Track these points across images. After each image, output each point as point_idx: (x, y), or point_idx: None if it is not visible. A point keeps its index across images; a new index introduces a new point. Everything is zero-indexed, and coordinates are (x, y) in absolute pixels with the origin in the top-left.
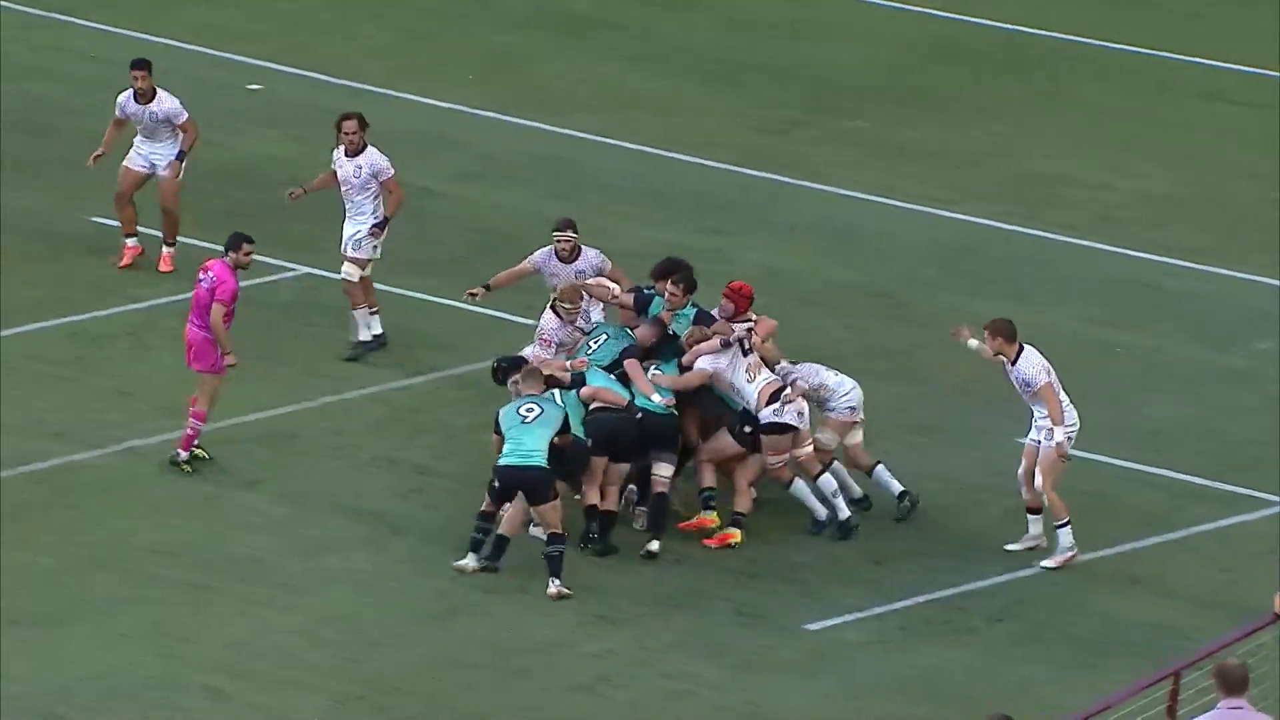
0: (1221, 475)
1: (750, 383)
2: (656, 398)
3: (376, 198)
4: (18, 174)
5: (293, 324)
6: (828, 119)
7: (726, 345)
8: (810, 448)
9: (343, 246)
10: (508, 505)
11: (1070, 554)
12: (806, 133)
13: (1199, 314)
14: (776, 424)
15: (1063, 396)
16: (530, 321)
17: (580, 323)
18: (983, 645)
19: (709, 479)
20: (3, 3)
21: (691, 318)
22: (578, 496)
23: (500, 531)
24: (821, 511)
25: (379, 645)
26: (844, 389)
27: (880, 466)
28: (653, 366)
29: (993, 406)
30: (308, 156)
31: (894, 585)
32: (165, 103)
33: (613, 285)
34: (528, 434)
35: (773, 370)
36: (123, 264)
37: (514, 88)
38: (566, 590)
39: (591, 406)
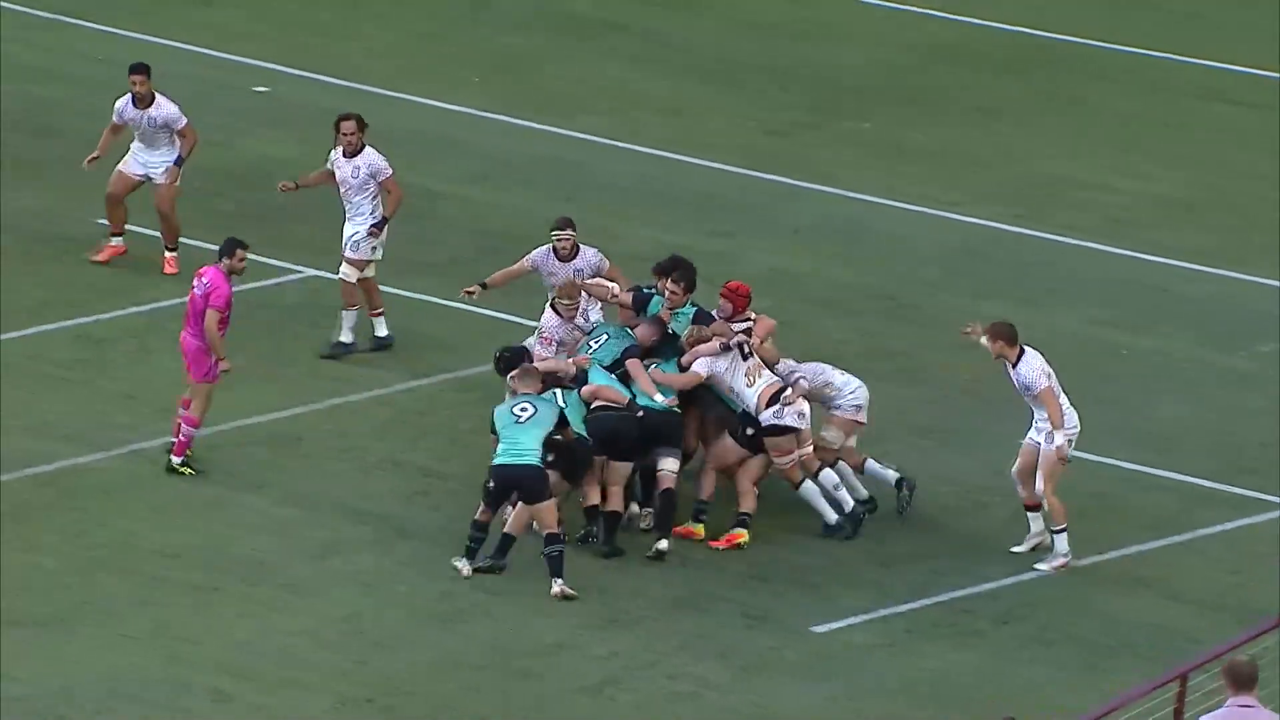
0: (1228, 477)
1: (750, 386)
2: (659, 398)
3: (375, 198)
4: (22, 175)
5: (297, 326)
6: (832, 120)
7: (726, 349)
8: (810, 448)
9: (342, 248)
10: (510, 509)
11: (1064, 560)
12: (811, 134)
13: (1204, 316)
14: (777, 426)
15: (1063, 400)
16: (534, 323)
17: (580, 322)
18: (989, 647)
19: (708, 490)
20: (7, 4)
21: (691, 317)
22: (582, 499)
23: (506, 530)
24: (831, 515)
25: (384, 647)
26: (850, 387)
27: (869, 461)
28: (653, 365)
29: (997, 408)
30: (312, 158)
31: (900, 587)
32: (164, 108)
33: (611, 285)
34: (522, 433)
35: (774, 370)
36: (98, 258)
37: (518, 89)
38: (570, 590)
39: (593, 405)
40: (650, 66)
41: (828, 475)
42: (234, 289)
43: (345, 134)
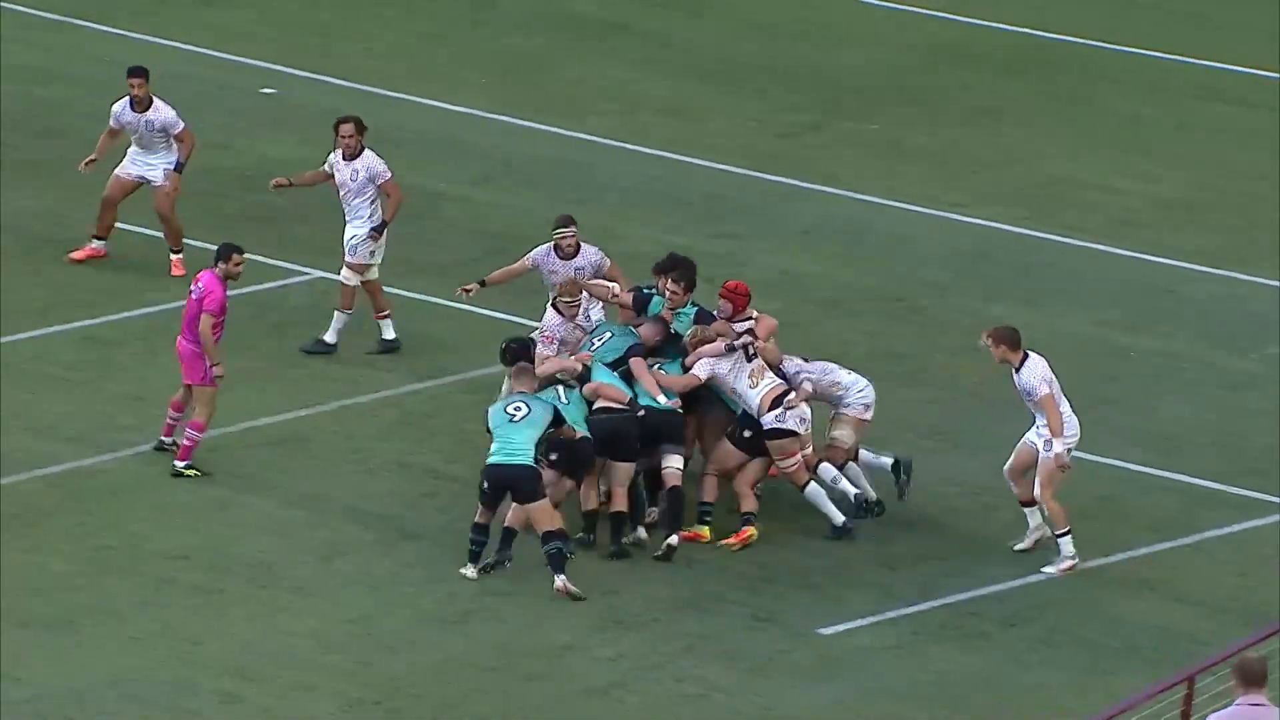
0: (1235, 479)
1: (753, 388)
2: (663, 399)
3: (374, 202)
4: (30, 177)
5: (304, 328)
6: (837, 121)
7: (731, 349)
8: (809, 450)
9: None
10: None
11: (1071, 562)
12: (819, 136)
13: (1212, 318)
14: (779, 429)
15: (1064, 407)
16: (538, 325)
17: (581, 321)
18: (996, 650)
19: (710, 493)
20: (11, 5)
21: (692, 317)
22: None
23: (506, 525)
24: (838, 517)
25: (391, 649)
26: (858, 386)
27: (862, 451)
28: (657, 366)
29: (1004, 410)
30: (316, 160)
31: (907, 589)
32: (162, 112)
33: (612, 285)
34: (516, 432)
35: (778, 370)
36: (75, 256)
37: (522, 90)
38: (574, 588)
39: (594, 406)
40: (654, 67)
41: (825, 469)
42: (238, 291)
43: (344, 136)
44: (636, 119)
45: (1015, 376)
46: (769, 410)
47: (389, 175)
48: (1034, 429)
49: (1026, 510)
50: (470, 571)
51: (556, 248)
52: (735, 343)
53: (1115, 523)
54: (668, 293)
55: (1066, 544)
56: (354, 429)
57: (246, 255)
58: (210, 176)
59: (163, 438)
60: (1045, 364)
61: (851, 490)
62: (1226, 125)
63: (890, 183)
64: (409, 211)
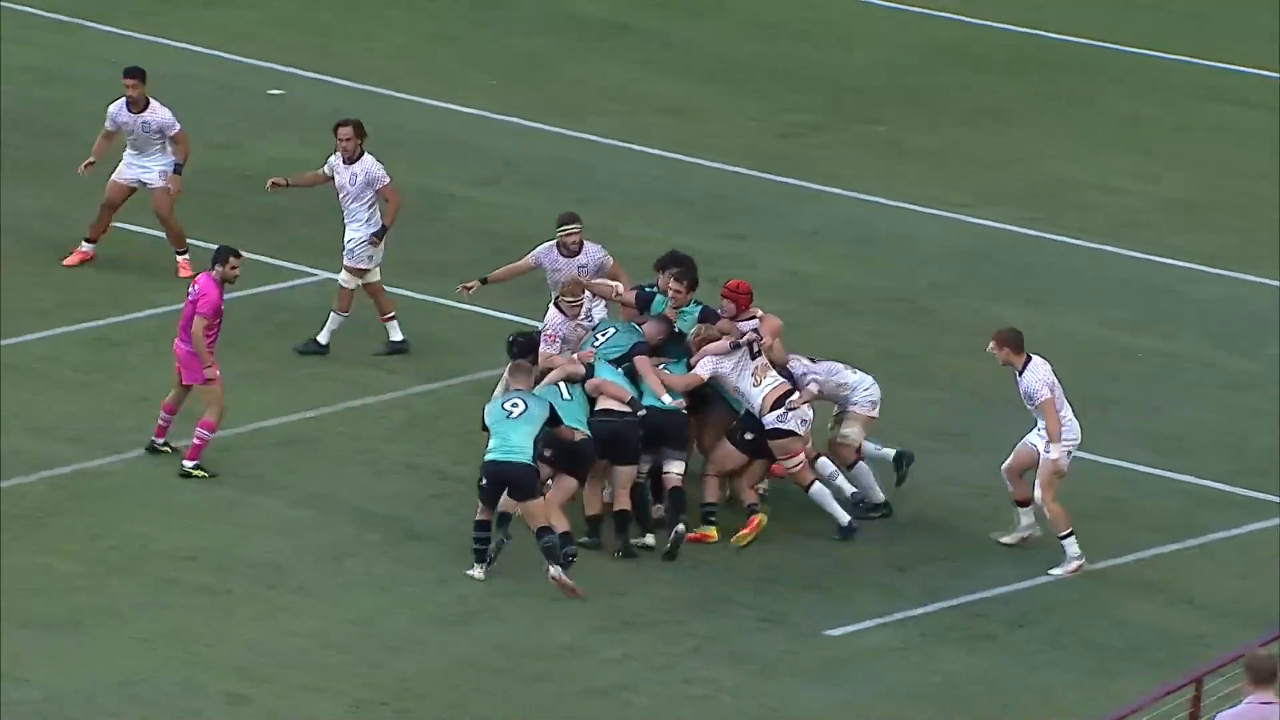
0: (1240, 481)
1: (756, 386)
2: (667, 399)
3: (372, 206)
4: (33, 178)
5: (312, 329)
6: (845, 123)
7: (736, 347)
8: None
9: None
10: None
11: (1078, 563)
12: (824, 137)
13: (1217, 319)
14: (780, 430)
15: (1065, 412)
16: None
17: (583, 320)
18: (1002, 651)
19: (712, 494)
20: (16, 6)
21: (696, 315)
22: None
23: (501, 509)
24: (844, 516)
25: (397, 650)
26: (865, 384)
27: (865, 443)
28: (662, 366)
29: (1008, 410)
30: (321, 161)
31: (914, 591)
32: (158, 113)
33: (616, 284)
34: (513, 429)
35: (781, 369)
36: (68, 262)
37: (532, 92)
38: (568, 580)
39: (596, 408)
40: (656, 68)
41: (824, 464)
42: (245, 292)
43: (342, 140)
44: (639, 119)
45: (1017, 379)
46: (770, 410)
47: (387, 180)
48: (1036, 430)
49: (1020, 510)
50: (478, 573)
51: (560, 245)
52: (740, 339)
53: (1120, 524)
54: (671, 291)
55: (1071, 545)
56: (361, 430)
57: (251, 257)
58: (214, 177)
59: (154, 439)
60: (1048, 368)
61: (849, 488)
62: (1228, 125)
63: (893, 183)
64: (412, 213)
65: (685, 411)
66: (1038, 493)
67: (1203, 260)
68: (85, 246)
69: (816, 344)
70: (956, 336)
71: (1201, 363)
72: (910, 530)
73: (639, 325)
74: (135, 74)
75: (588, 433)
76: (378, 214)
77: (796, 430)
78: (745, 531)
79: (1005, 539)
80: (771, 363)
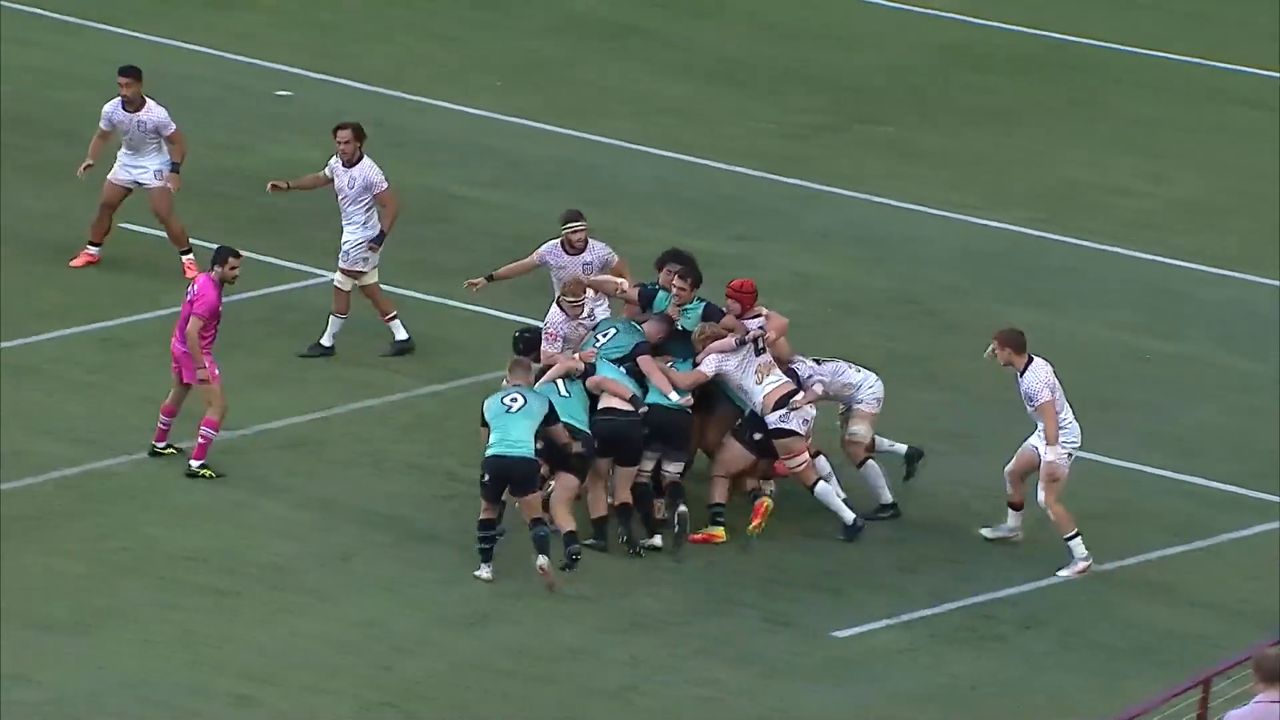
0: (1249, 482)
1: (759, 384)
2: (674, 396)
3: (369, 209)
4: (44, 180)
5: (320, 330)
6: (852, 124)
7: (741, 344)
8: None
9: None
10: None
11: (1085, 564)
12: (832, 138)
13: (1225, 320)
14: (782, 429)
15: (1066, 414)
16: None
17: (584, 319)
18: (1012, 653)
19: (720, 494)
20: (31, 8)
21: (700, 313)
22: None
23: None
24: (848, 514)
25: (405, 651)
26: (869, 382)
27: (878, 438)
28: (669, 364)
29: (1018, 412)
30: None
31: (922, 592)
32: (154, 112)
33: (621, 281)
34: (513, 423)
35: (786, 368)
36: (74, 264)
37: (540, 93)
38: (551, 573)
39: (599, 407)
40: (670, 70)
41: (822, 463)
42: (253, 294)
43: (341, 142)
44: (646, 120)
45: (1019, 380)
46: (773, 410)
47: (385, 186)
48: (1037, 433)
49: (1011, 510)
50: (485, 573)
51: (565, 243)
52: (746, 336)
53: (1130, 526)
54: (674, 289)
55: (1077, 546)
56: (368, 432)
57: (258, 259)
58: (222, 179)
59: (155, 443)
60: (1050, 369)
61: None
62: (1236, 127)
63: (903, 185)
64: (419, 214)
65: (689, 411)
66: (1041, 495)
67: (1210, 262)
68: (91, 249)
69: (824, 345)
70: (964, 338)
71: (1209, 364)
72: (918, 532)
73: (640, 324)
74: (130, 73)
75: (585, 429)
76: (375, 217)
77: (798, 430)
78: (756, 521)
79: (987, 531)
80: (776, 360)
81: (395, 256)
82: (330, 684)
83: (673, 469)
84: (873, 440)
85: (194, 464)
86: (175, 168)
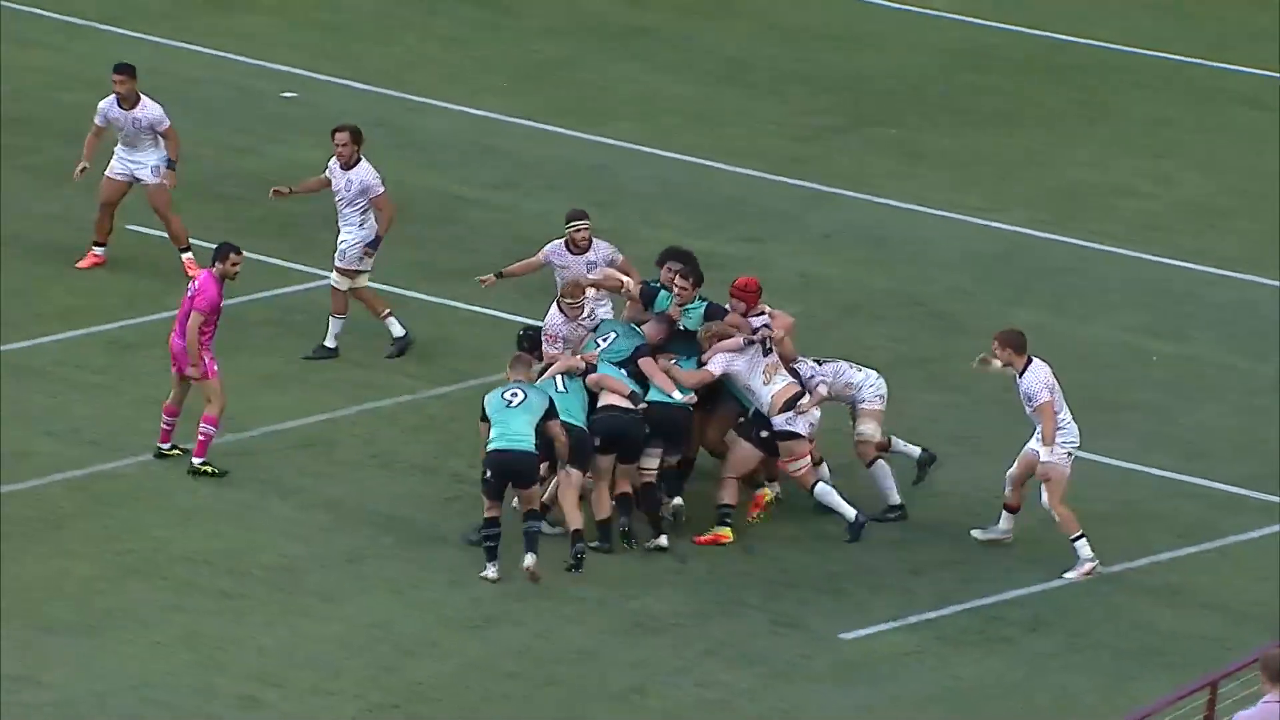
0: (1257, 484)
1: (766, 385)
2: (677, 395)
3: (365, 211)
4: (53, 182)
5: (324, 333)
6: (860, 126)
7: (750, 343)
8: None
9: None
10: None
11: (1091, 565)
12: (840, 140)
13: (1234, 322)
14: (787, 432)
15: (1064, 414)
16: None
17: (584, 320)
18: (1019, 655)
19: (730, 496)
20: (39, 10)
21: (702, 312)
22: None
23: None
24: (850, 512)
25: (412, 653)
26: (870, 381)
27: (894, 439)
28: (674, 362)
29: (1025, 415)
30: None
31: (929, 594)
32: (149, 109)
33: (623, 277)
34: (513, 418)
35: (788, 368)
36: (80, 265)
37: (547, 95)
38: (537, 571)
39: (599, 405)
40: (678, 72)
41: (823, 471)
42: (261, 295)
43: (339, 145)
44: (658, 123)
45: (1018, 381)
46: (779, 412)
47: (381, 190)
48: (1035, 436)
49: (1006, 512)
50: (491, 572)
51: (569, 242)
52: (754, 335)
53: (1135, 527)
54: (676, 289)
55: (1083, 547)
56: (377, 433)
57: (267, 260)
58: (231, 181)
59: (160, 445)
60: (1049, 370)
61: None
62: (1246, 129)
63: (912, 187)
64: (428, 216)
65: (691, 408)
66: (1045, 497)
67: (1214, 263)
68: (97, 250)
69: (832, 347)
70: (973, 340)
71: (1219, 366)
72: (925, 534)
73: (640, 323)
74: (125, 70)
75: (580, 425)
76: (371, 220)
77: (803, 433)
78: (755, 511)
79: (978, 533)
80: (781, 358)
81: (399, 258)
82: (336, 685)
83: (670, 460)
84: (888, 440)
85: (195, 461)
86: (171, 164)
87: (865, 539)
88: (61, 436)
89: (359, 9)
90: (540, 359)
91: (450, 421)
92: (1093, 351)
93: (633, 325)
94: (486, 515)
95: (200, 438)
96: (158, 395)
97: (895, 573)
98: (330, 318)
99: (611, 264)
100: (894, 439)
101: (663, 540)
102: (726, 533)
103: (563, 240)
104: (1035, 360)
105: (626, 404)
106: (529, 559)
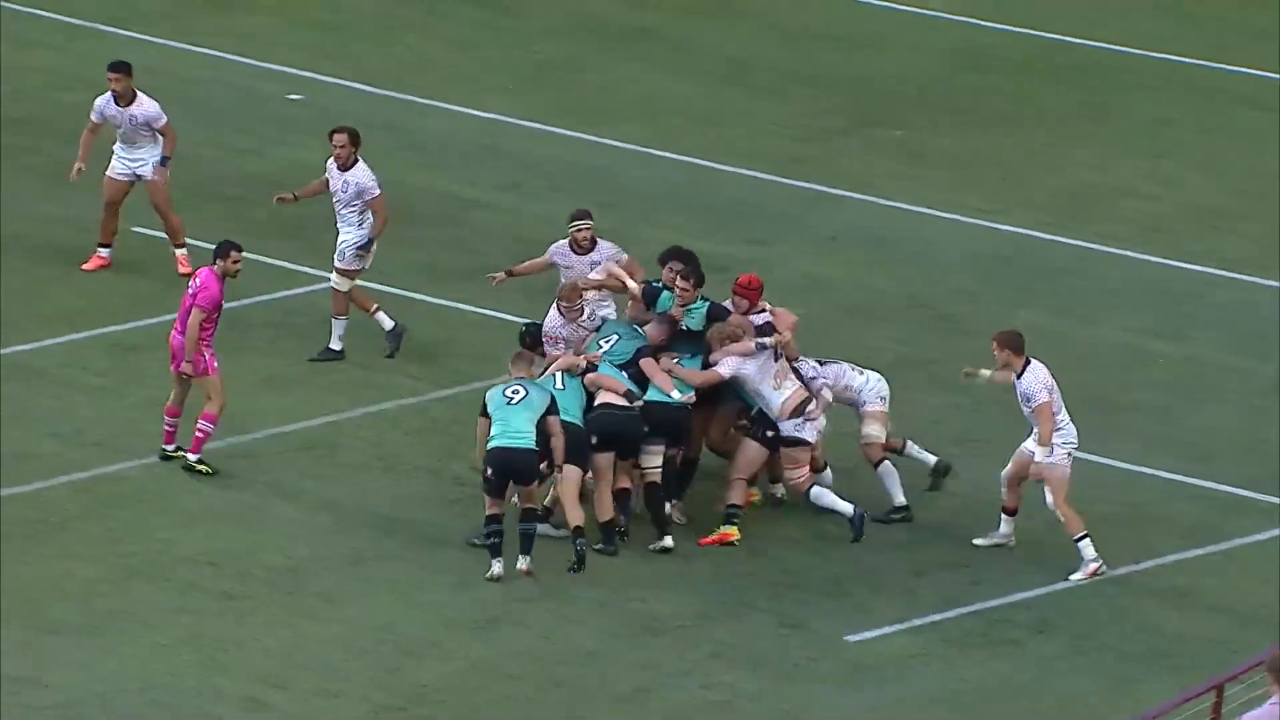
0: (1265, 487)
1: (776, 390)
2: (676, 394)
3: (363, 212)
4: (57, 183)
5: (328, 334)
6: (865, 127)
7: (762, 348)
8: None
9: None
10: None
11: (1095, 565)
12: (845, 141)
13: (1238, 323)
14: (796, 439)
15: (1063, 415)
16: None
17: (585, 321)
18: (1025, 657)
19: (738, 496)
20: (43, 12)
21: (705, 312)
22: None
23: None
24: (847, 507)
25: (417, 655)
26: (870, 383)
27: (909, 442)
28: (676, 360)
29: (1026, 417)
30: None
31: (934, 597)
32: (145, 106)
33: (625, 276)
34: (514, 415)
35: (792, 366)
36: (86, 267)
37: (552, 97)
38: (531, 570)
39: (596, 403)
40: (683, 74)
41: (825, 476)
42: (265, 297)
43: (336, 146)
44: (660, 124)
45: (1016, 381)
46: (789, 417)
47: (377, 193)
48: (1032, 437)
49: (1005, 516)
50: (496, 569)
51: (573, 242)
52: (766, 340)
53: (1140, 530)
54: (677, 289)
55: (1086, 547)
56: (381, 435)
57: (272, 262)
58: (237, 183)
59: (164, 447)
60: (1047, 371)
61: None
62: (1251, 130)
63: (916, 188)
64: (433, 217)
65: (688, 407)
66: (1048, 498)
67: (1218, 264)
68: (102, 252)
69: (837, 349)
70: (980, 342)
71: (1223, 368)
72: (930, 536)
73: (642, 324)
74: (120, 68)
75: (576, 423)
76: (369, 219)
77: (810, 440)
78: (711, 540)
79: (980, 541)
80: (786, 357)
81: (403, 259)
82: (340, 687)
83: (671, 454)
84: (904, 443)
85: (190, 458)
86: (165, 161)
87: (870, 541)
88: (65, 438)
89: (360, 10)
90: (542, 355)
91: (453, 424)
92: (1095, 352)
93: (635, 326)
94: (489, 513)
95: (197, 434)
96: (161, 397)
97: (900, 575)
98: (333, 319)
99: (617, 264)
100: (910, 444)
101: (667, 541)
102: (733, 530)
103: (567, 240)
104: (1033, 361)
105: (622, 402)
106: (523, 561)
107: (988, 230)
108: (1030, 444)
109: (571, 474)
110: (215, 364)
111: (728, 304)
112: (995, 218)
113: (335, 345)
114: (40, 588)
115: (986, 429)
